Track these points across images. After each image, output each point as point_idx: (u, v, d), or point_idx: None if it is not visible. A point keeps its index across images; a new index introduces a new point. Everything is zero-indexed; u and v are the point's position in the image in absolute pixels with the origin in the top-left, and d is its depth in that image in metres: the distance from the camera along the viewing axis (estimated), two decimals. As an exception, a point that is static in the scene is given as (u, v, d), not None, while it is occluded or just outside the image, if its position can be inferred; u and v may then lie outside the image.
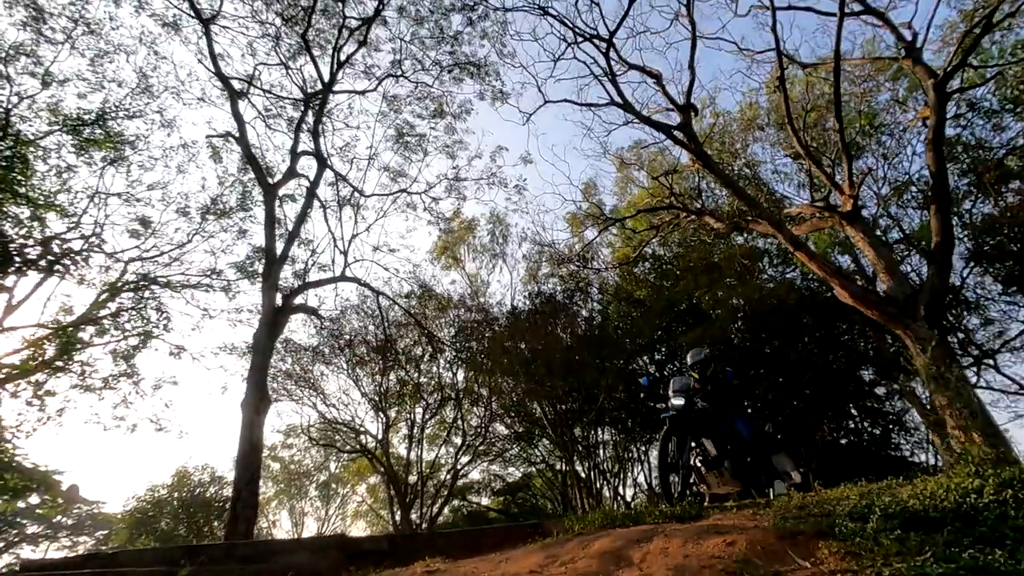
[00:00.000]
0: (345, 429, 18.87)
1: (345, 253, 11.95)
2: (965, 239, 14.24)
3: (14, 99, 9.78)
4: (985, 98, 13.05)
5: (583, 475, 17.80)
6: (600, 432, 18.70)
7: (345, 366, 17.34)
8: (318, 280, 12.07)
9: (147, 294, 11.06)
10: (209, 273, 12.33)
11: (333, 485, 30.07)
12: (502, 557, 3.42)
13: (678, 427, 5.01)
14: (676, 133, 6.79)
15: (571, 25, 7.04)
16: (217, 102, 11.44)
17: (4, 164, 8.46)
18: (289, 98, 11.92)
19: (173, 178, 13.08)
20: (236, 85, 10.64)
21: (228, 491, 21.88)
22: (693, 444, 4.91)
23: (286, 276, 10.46)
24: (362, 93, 12.67)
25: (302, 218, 10.96)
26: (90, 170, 10.97)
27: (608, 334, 17.49)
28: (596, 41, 6.92)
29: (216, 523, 19.94)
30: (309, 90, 11.37)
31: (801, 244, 6.04)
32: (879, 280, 5.84)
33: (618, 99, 6.96)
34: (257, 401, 8.37)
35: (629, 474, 19.47)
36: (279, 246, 9.98)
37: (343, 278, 11.98)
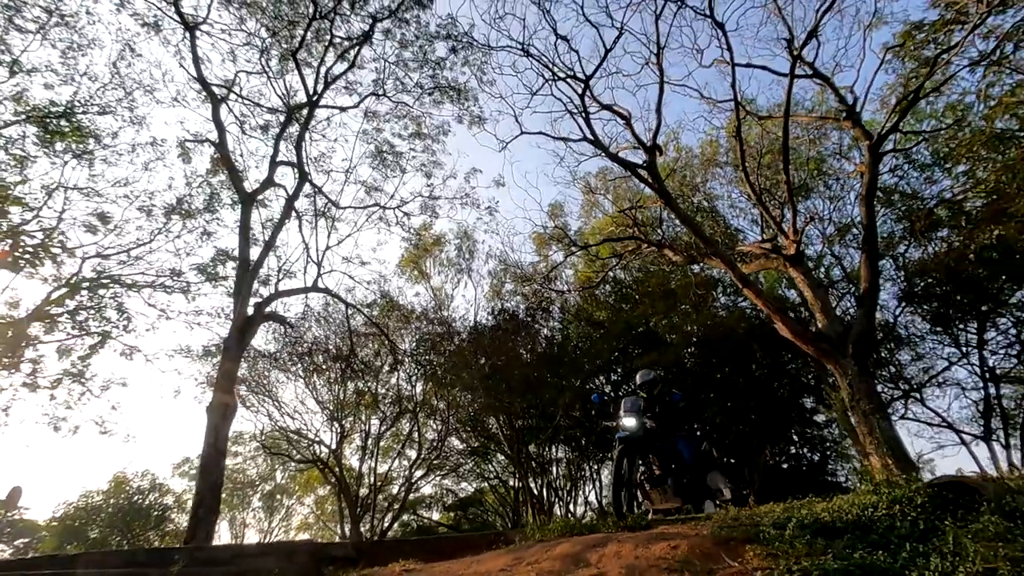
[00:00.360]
0: (298, 438, 18.63)
1: (319, 264, 12.06)
2: (899, 280, 15.58)
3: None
4: (920, 152, 14.38)
5: (536, 492, 18.14)
6: (555, 450, 19.13)
7: (302, 374, 17.21)
8: (290, 289, 12.10)
9: (108, 293, 10.85)
10: (170, 273, 12.16)
11: (278, 496, 29.30)
12: (472, 559, 3.77)
13: (629, 447, 5.31)
14: (641, 171, 7.38)
15: (550, 66, 7.59)
16: (192, 104, 11.49)
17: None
18: (271, 108, 12.06)
19: (139, 176, 12.84)
20: (216, 91, 10.71)
21: (168, 499, 21.14)
22: (640, 462, 5.25)
23: (255, 284, 10.46)
24: (344, 110, 12.91)
25: (279, 229, 11.04)
26: (50, 162, 10.77)
27: (567, 353, 17.99)
28: (573, 81, 7.50)
29: (152, 533, 19.22)
30: (292, 102, 11.55)
31: (749, 282, 6.69)
32: (816, 318, 6.54)
33: (590, 135, 7.52)
34: (224, 408, 8.39)
35: (581, 492, 19.88)
36: (254, 254, 10.05)
37: (315, 288, 12.07)
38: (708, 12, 6.86)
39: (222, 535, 30.43)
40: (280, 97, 11.71)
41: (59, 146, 10.33)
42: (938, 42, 7.81)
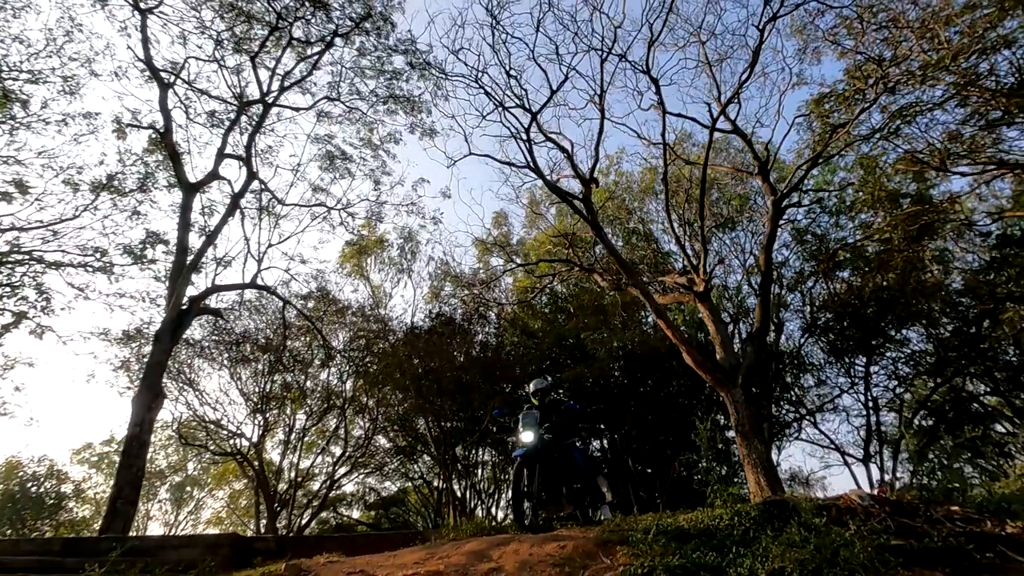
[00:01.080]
0: (217, 429, 18.23)
1: (259, 261, 12.04)
2: (804, 313, 17.33)
3: None
4: (831, 199, 16.06)
5: (459, 493, 18.65)
6: (481, 452, 19.73)
7: (228, 364, 16.91)
8: (228, 285, 11.95)
9: (26, 270, 10.33)
10: (94, 252, 11.72)
11: (188, 488, 28.23)
12: (390, 554, 4.28)
13: (527, 461, 5.57)
14: (577, 203, 8.10)
15: (499, 100, 8.15)
16: (133, 81, 11.12)
17: None
18: (220, 99, 11.88)
19: (67, 148, 12.20)
20: (164, 76, 10.47)
21: (66, 487, 20.06)
22: (538, 472, 5.50)
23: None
24: (298, 111, 12.90)
25: (222, 224, 10.94)
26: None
27: (500, 359, 18.59)
28: (521, 112, 8.11)
29: (47, 522, 18.23)
30: (245, 98, 11.45)
31: (662, 313, 7.52)
32: (716, 350, 7.46)
33: (532, 164, 8.16)
34: (151, 399, 8.33)
35: (504, 495, 20.56)
36: (194, 245, 9.90)
37: (254, 285, 12.02)
38: (645, 69, 7.69)
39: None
40: (231, 89, 11.67)
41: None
42: (840, 112, 9.05)
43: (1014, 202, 13.67)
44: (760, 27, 6.97)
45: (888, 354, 17.01)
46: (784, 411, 18.09)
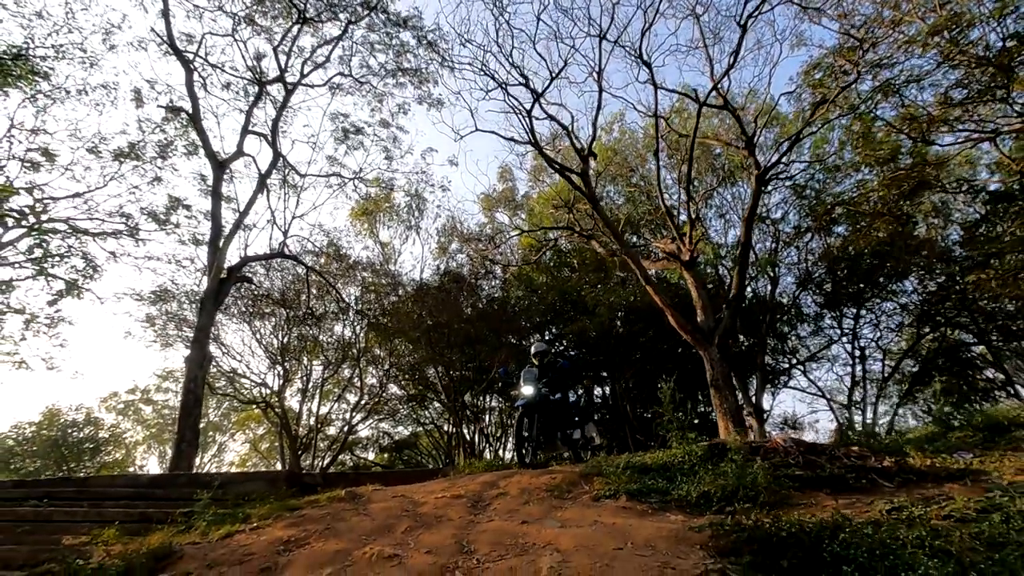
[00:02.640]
0: (240, 379, 19.83)
1: (284, 232, 13.08)
2: (801, 267, 18.27)
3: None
4: (830, 155, 16.65)
5: (468, 437, 20.31)
6: (488, 399, 21.28)
7: (247, 318, 18.26)
8: (260, 255, 13.06)
9: (72, 242, 11.44)
10: (122, 217, 12.76)
11: (211, 433, 30.44)
12: (420, 484, 5.58)
13: (527, 410, 6.79)
14: (575, 179, 8.98)
15: (502, 81, 8.85)
16: (151, 53, 11.77)
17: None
18: (241, 77, 12.53)
19: (88, 117, 12.95)
20: (187, 56, 11.12)
21: (103, 432, 21.97)
22: (537, 419, 6.71)
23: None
24: (313, 86, 13.54)
25: (251, 203, 11.92)
26: (-1, 100, 10.98)
27: (506, 312, 19.76)
28: (523, 90, 8.80)
29: (87, 464, 20.19)
30: (264, 76, 12.11)
31: (650, 280, 8.54)
32: (698, 313, 8.52)
33: (533, 141, 8.96)
34: (200, 358, 9.66)
35: (509, 439, 22.25)
36: (225, 216, 10.93)
37: (282, 255, 13.12)
38: (638, 54, 8.36)
39: (151, 469, 31.42)
40: (249, 69, 12.28)
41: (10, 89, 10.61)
42: (833, 81, 9.70)
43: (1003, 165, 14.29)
44: (742, 23, 7.60)
45: (882, 304, 18.09)
46: (778, 360, 19.38)
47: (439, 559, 3.24)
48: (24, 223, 10.74)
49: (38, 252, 11.05)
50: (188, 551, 3.81)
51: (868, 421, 16.83)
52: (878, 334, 17.25)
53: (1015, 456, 4.38)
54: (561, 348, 19.64)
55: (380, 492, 5.41)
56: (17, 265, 11.04)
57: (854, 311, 17.22)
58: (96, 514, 5.56)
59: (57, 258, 11.31)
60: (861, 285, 17.14)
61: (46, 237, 11.02)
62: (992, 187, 14.91)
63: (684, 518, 3.70)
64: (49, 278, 11.33)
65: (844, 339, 17.68)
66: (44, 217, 11.34)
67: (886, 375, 17.64)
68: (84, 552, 4.37)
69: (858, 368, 17.07)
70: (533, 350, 7.57)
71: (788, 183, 17.03)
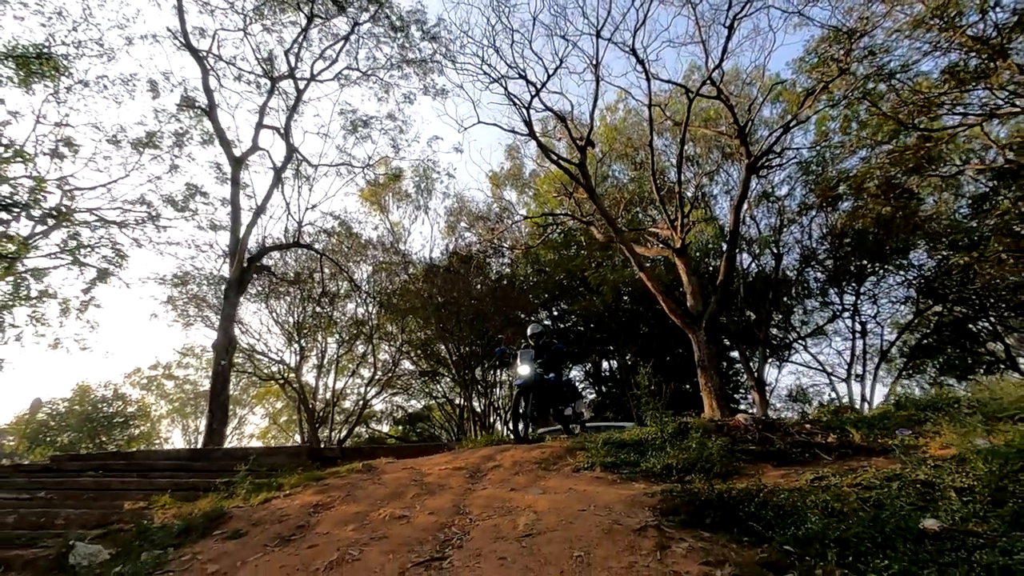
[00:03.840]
0: (258, 356, 20.96)
1: (299, 222, 13.89)
2: (804, 244, 18.70)
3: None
4: (835, 132, 16.91)
5: (479, 410, 21.33)
6: (498, 373, 22.22)
7: (264, 298, 19.24)
8: (277, 245, 13.93)
9: (101, 232, 12.34)
10: (143, 204, 13.63)
11: (232, 407, 32.00)
12: (427, 458, 6.42)
13: (524, 390, 7.45)
14: (572, 169, 9.56)
15: (500, 75, 9.38)
16: (165, 46, 12.38)
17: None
18: (253, 73, 13.13)
19: (107, 109, 13.68)
20: (201, 54, 11.73)
21: (131, 408, 23.37)
22: (532, 398, 7.37)
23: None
24: (322, 81, 14.15)
25: (268, 197, 12.69)
26: (23, 94, 11.73)
27: (514, 290, 20.52)
28: (522, 83, 9.31)
29: (117, 437, 21.59)
30: (275, 73, 12.71)
31: (643, 267, 9.16)
32: (688, 299, 9.15)
33: (533, 134, 9.53)
34: (226, 344, 10.59)
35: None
36: (247, 215, 11.74)
37: (298, 244, 13.96)
38: (631, 49, 8.81)
39: (175, 441, 33.17)
40: (262, 65, 12.86)
41: (36, 85, 11.36)
42: (833, 60, 10.07)
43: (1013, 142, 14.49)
44: (728, 25, 8.02)
45: (885, 278, 18.54)
46: (782, 335, 20.00)
47: (439, 519, 4.05)
48: (53, 216, 11.61)
49: (72, 244, 11.98)
50: (235, 513, 4.68)
51: (867, 395, 17.50)
52: (877, 309, 17.74)
53: (946, 433, 5.07)
54: (556, 329, 20.47)
55: (392, 464, 6.26)
56: (52, 256, 12.00)
57: (855, 287, 17.71)
58: (148, 483, 6.49)
59: (88, 248, 12.24)
60: (864, 261, 17.58)
61: (79, 229, 11.94)
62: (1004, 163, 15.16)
63: (645, 486, 4.46)
64: (82, 267, 12.30)
65: (846, 314, 18.24)
66: (73, 208, 12.22)
67: (885, 349, 18.20)
68: (145, 515, 5.27)
69: (859, 343, 17.63)
70: (529, 331, 8.18)
71: (793, 160, 17.37)
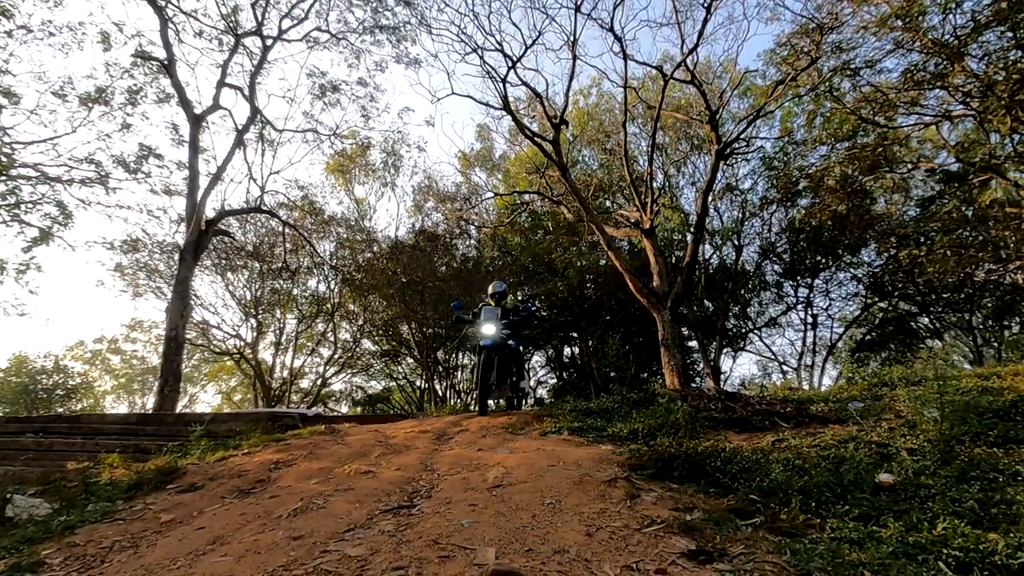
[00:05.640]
0: (212, 330, 20.26)
1: (262, 188, 13.35)
2: (768, 235, 19.24)
3: None
4: (799, 128, 17.39)
5: (440, 392, 21.23)
6: (460, 356, 22.14)
7: (221, 270, 18.57)
8: (237, 209, 13.34)
9: (45, 189, 11.55)
10: (90, 164, 12.85)
11: (183, 384, 30.90)
12: (392, 424, 6.33)
13: (490, 353, 6.50)
14: (546, 146, 9.52)
15: (477, 45, 9.23)
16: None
17: None
18: (216, 28, 12.45)
19: (52, 59, 12.78)
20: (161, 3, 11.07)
21: (73, 381, 22.29)
22: (498, 364, 6.51)
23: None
24: (291, 41, 13.54)
25: (228, 159, 12.10)
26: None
27: (480, 272, 20.39)
28: (499, 56, 9.18)
29: (59, 410, 20.56)
30: (239, 29, 12.09)
31: (612, 245, 9.24)
32: (654, 279, 9.31)
33: (508, 108, 9.45)
34: (181, 307, 10.13)
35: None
36: (204, 179, 11.17)
37: (259, 210, 13.43)
38: (610, 26, 8.81)
39: (121, 418, 31.78)
40: (226, 20, 12.22)
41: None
42: (791, 63, 10.33)
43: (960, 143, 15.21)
44: (706, 5, 8.10)
45: (837, 274, 19.27)
46: (738, 325, 20.58)
47: (406, 474, 3.99)
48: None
49: (11, 199, 11.22)
50: (190, 468, 4.49)
51: (815, 384, 18.20)
52: (828, 303, 18.45)
53: (893, 406, 5.30)
54: (516, 300, 20.46)
55: (356, 428, 6.15)
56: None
57: (809, 280, 18.36)
58: (93, 445, 6.19)
59: (30, 204, 11.50)
60: (819, 257, 18.23)
61: (19, 183, 11.17)
62: (954, 166, 15.90)
63: (612, 448, 4.51)
64: (23, 225, 11.54)
65: (799, 307, 18.89)
66: (14, 161, 11.44)
67: (833, 341, 18.97)
68: (90, 474, 5.02)
69: (809, 334, 18.31)
70: (491, 289, 7.28)
71: (757, 155, 17.80)
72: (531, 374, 22.08)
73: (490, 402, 6.96)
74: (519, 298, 14.94)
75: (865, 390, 5.89)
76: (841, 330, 19.89)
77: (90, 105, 12.95)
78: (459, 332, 18.99)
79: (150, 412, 9.93)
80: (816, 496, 3.04)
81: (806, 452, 3.81)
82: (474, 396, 7.08)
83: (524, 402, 7.46)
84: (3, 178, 11.58)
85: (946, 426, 3.93)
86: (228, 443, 5.47)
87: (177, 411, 29.36)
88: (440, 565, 2.22)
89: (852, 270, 19.26)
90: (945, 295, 18.17)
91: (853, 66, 10.31)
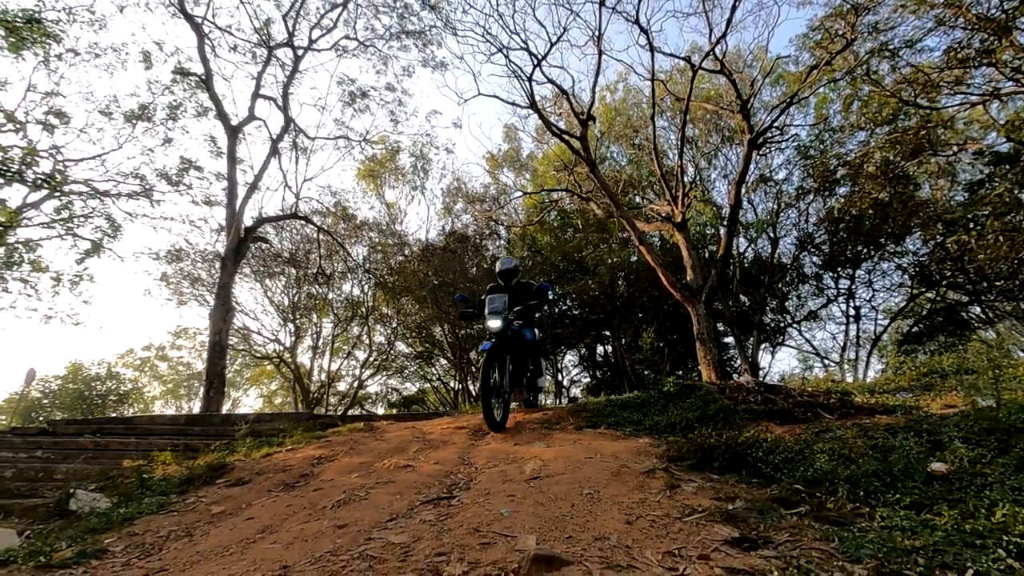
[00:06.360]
0: (253, 335, 20.86)
1: (296, 195, 13.75)
2: (801, 228, 18.73)
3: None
4: (835, 114, 16.91)
5: (474, 393, 21.32)
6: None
7: (259, 277, 19.10)
8: (274, 216, 13.77)
9: (95, 204, 12.16)
10: (136, 178, 13.44)
11: (225, 388, 31.92)
12: (428, 420, 6.41)
13: (494, 353, 5.16)
14: (574, 143, 9.50)
15: (503, 45, 9.28)
16: (157, 14, 12.17)
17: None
18: (249, 42, 12.91)
19: (99, 81, 13.46)
20: (197, 20, 11.51)
21: (124, 387, 23.24)
22: (509, 362, 5.34)
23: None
24: (320, 50, 13.88)
25: (264, 168, 12.55)
26: (13, 61, 11.52)
27: (510, 272, 20.39)
28: (524, 54, 9.20)
29: (113, 414, 21.47)
30: (272, 41, 12.50)
31: (644, 240, 9.15)
32: (688, 272, 9.17)
33: (534, 106, 9.46)
34: (224, 312, 10.52)
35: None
36: (242, 189, 11.62)
37: (295, 216, 13.82)
38: (635, 19, 8.73)
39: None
40: (259, 34, 12.64)
41: (26, 52, 11.14)
42: (826, 47, 10.05)
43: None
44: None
45: (880, 264, 18.62)
46: (776, 320, 20.08)
47: (445, 467, 4.04)
48: (46, 181, 11.42)
49: (64, 213, 11.82)
50: (237, 464, 4.65)
51: (859, 378, 17.62)
52: (872, 294, 17.84)
53: (946, 395, 5.10)
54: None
55: (393, 425, 6.25)
56: (44, 225, 11.85)
57: (850, 272, 17.79)
58: (146, 444, 6.45)
59: (82, 218, 12.09)
60: (860, 247, 17.64)
61: (71, 198, 11.76)
62: (1004, 147, 15.19)
63: (650, 440, 4.47)
64: (76, 238, 12.15)
65: (840, 299, 18.32)
66: (66, 178, 12.04)
67: (878, 334, 18.33)
68: (145, 470, 5.23)
69: (852, 328, 17.74)
70: (499, 267, 6.02)
71: (792, 144, 17.35)
72: (563, 374, 21.87)
73: (501, 408, 5.26)
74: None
75: (914, 380, 5.68)
76: (886, 322, 19.22)
77: (134, 122, 13.53)
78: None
79: (198, 414, 10.30)
80: (864, 485, 2.95)
81: (852, 442, 3.70)
82: (484, 401, 5.12)
83: (540, 399, 6.37)
84: (57, 194, 12.20)
85: (1003, 414, 3.77)
86: (272, 440, 5.63)
87: (223, 408, 30.28)
88: (481, 551, 2.25)
89: (896, 259, 18.57)
90: (998, 283, 17.36)
91: (892, 47, 9.95)
